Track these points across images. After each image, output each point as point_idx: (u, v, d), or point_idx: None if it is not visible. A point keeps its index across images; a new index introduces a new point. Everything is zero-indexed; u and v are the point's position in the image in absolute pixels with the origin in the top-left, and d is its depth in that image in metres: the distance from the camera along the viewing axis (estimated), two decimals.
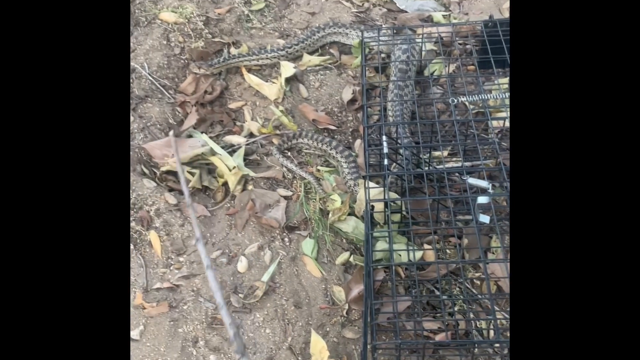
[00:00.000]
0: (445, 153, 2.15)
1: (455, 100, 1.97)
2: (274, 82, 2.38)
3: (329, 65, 2.55)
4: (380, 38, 2.38)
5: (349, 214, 1.94)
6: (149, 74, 2.37)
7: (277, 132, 2.24)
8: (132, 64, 2.38)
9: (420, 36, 2.37)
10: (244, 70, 2.43)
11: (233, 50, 2.52)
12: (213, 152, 2.08)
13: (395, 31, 2.51)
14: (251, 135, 2.26)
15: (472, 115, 2.27)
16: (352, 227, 1.91)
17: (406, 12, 2.84)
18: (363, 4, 2.91)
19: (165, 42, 2.51)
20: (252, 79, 2.39)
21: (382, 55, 2.58)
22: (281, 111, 2.26)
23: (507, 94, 2.06)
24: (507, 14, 2.87)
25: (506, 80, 2.31)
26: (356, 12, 2.85)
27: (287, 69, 2.37)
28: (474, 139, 2.11)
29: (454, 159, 2.15)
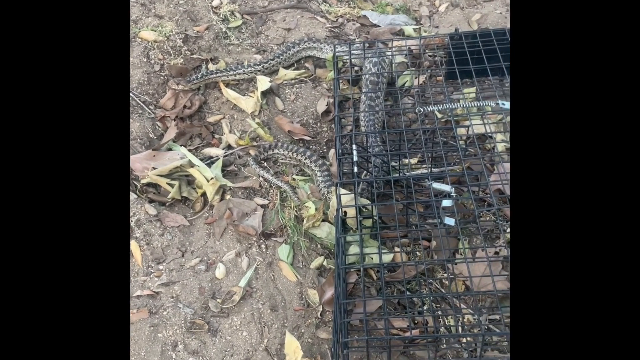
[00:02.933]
0: (415, 160, 2.24)
1: (422, 110, 2.07)
2: (250, 96, 2.47)
3: (304, 79, 2.64)
4: (352, 52, 2.49)
5: (323, 220, 2.03)
6: (130, 91, 2.45)
7: (254, 143, 2.32)
8: None
9: (391, 49, 2.49)
10: (222, 85, 2.52)
11: (211, 66, 2.61)
12: (191, 164, 2.16)
13: (367, 45, 2.61)
14: (229, 147, 2.35)
15: (440, 124, 2.37)
16: (326, 232, 1.99)
17: (379, 26, 2.95)
18: (337, 20, 3.02)
19: (145, 60, 2.59)
20: (229, 93, 2.48)
21: (355, 68, 2.68)
22: (257, 123, 2.34)
23: (474, 103, 2.16)
24: (475, 27, 2.99)
25: (472, 89, 2.42)
26: (330, 27, 2.96)
27: (263, 83, 2.46)
28: (442, 147, 2.22)
29: (424, 165, 2.25)
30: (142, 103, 2.44)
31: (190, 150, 2.29)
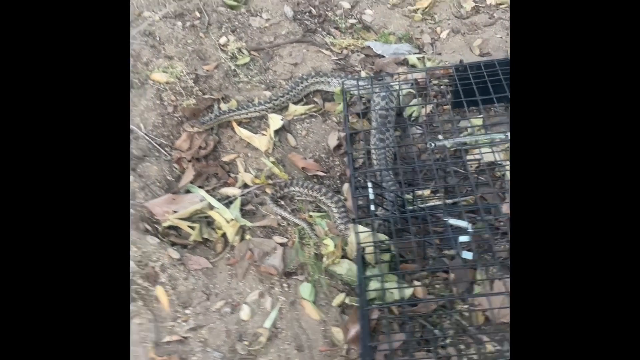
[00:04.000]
0: (428, 192, 2.29)
1: (434, 144, 2.12)
2: (263, 134, 2.53)
3: (314, 114, 2.71)
4: (360, 85, 2.55)
5: (342, 257, 2.07)
6: (146, 134, 2.51)
7: (270, 181, 2.38)
8: (130, 125, 2.52)
9: (397, 81, 2.55)
10: (234, 124, 2.58)
11: (223, 106, 2.68)
12: (211, 206, 2.21)
13: (374, 78, 2.68)
14: (245, 186, 2.40)
15: (450, 154, 2.43)
16: (346, 269, 2.04)
17: (383, 56, 3.02)
18: (342, 51, 3.09)
19: (158, 102, 2.66)
20: (242, 132, 2.54)
21: (363, 100, 2.74)
22: (272, 162, 2.40)
23: (483, 134, 2.22)
24: (477, 52, 3.06)
25: (480, 118, 2.48)
26: (336, 59, 3.03)
27: (275, 121, 2.52)
28: (453, 177, 2.27)
29: (437, 195, 2.30)
30: (158, 146, 2.50)
31: (207, 191, 2.35)
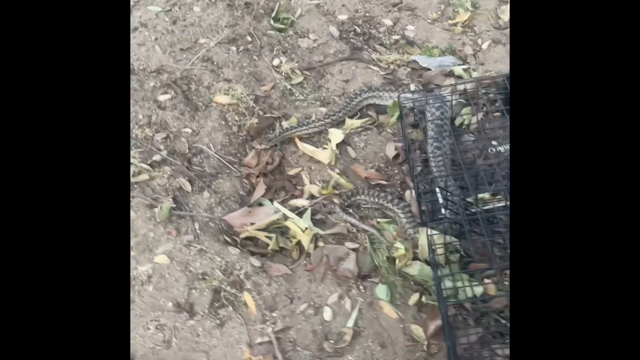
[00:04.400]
0: (488, 195, 2.42)
1: (494, 150, 2.26)
2: (325, 148, 2.69)
3: (369, 126, 2.86)
4: (414, 97, 2.70)
5: (414, 259, 2.21)
6: (215, 153, 2.69)
7: (336, 192, 2.53)
8: (199, 145, 2.71)
9: (448, 92, 2.69)
10: (297, 140, 2.75)
11: (284, 124, 2.84)
12: (285, 217, 2.37)
13: (426, 91, 2.83)
14: (312, 197, 2.56)
15: (504, 158, 2.55)
16: (418, 270, 2.17)
17: (429, 69, 3.17)
18: (389, 66, 3.25)
19: (223, 123, 2.84)
20: (305, 147, 2.70)
21: (415, 111, 2.89)
22: (338, 174, 2.56)
23: None
24: None
25: None
26: (384, 74, 3.19)
27: (336, 135, 2.68)
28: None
29: (497, 198, 2.42)
30: (228, 163, 2.68)
31: (278, 204, 2.51)
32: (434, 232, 2.13)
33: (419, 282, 2.18)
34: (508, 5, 3.53)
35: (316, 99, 3.06)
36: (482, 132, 2.73)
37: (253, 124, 2.83)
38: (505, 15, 3.50)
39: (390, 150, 2.69)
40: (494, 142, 2.61)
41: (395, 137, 2.82)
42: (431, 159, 2.57)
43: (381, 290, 2.14)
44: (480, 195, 2.39)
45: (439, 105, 2.66)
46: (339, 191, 2.54)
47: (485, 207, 2.35)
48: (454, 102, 2.82)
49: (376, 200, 2.43)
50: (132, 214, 2.35)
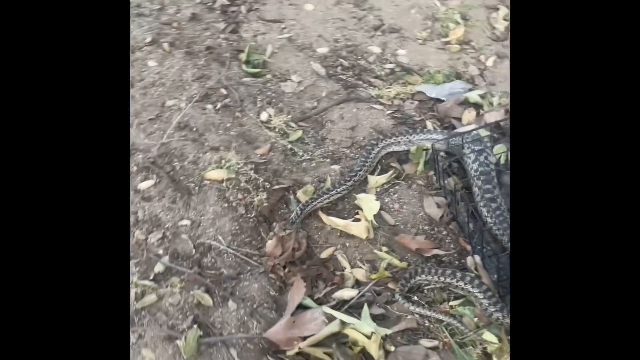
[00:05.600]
0: None
1: None
2: (357, 219, 2.26)
3: (396, 180, 2.47)
4: (443, 140, 2.33)
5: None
6: (228, 247, 2.21)
7: (388, 274, 2.11)
8: (206, 240, 2.22)
9: (486, 132, 2.34)
10: (321, 214, 2.30)
11: (299, 194, 2.39)
12: (343, 323, 1.93)
13: (450, 129, 2.46)
14: (358, 283, 2.13)
15: None
16: None
17: (440, 100, 2.81)
18: (392, 102, 2.87)
19: (226, 205, 2.35)
20: (334, 221, 2.26)
21: (444, 155, 2.52)
22: (386, 252, 2.14)
23: None
24: None
25: None
26: (390, 113, 2.80)
27: (370, 203, 2.26)
28: None
29: None
30: (245, 256, 2.20)
31: (319, 299, 2.07)
32: None
33: None
34: (500, 12, 3.24)
35: (324, 155, 2.62)
36: None
37: (262, 202, 2.36)
38: (500, 24, 3.20)
39: (433, 209, 2.30)
40: None
41: (428, 188, 2.43)
42: (484, 211, 2.20)
43: None
44: None
45: (480, 149, 2.30)
46: (392, 271, 2.13)
47: None
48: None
49: (443, 279, 2.03)
50: (150, 353, 1.84)
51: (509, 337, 1.85)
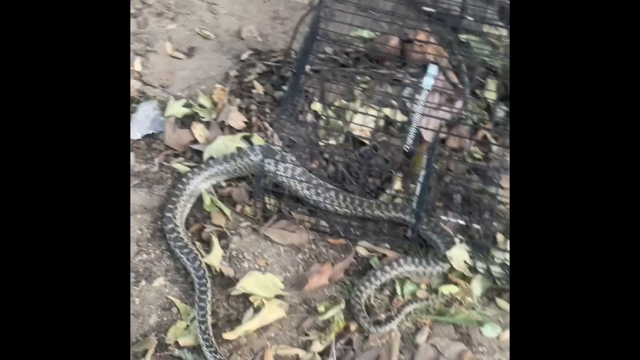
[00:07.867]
0: None
1: None
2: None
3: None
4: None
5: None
6: None
7: (342, 321, 1.89)
8: None
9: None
10: (225, 335, 1.76)
11: None
12: None
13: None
14: (321, 353, 1.84)
15: None
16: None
17: None
18: None
19: None
20: (248, 327, 1.78)
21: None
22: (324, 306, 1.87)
23: None
24: None
25: None
26: None
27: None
28: None
29: None
30: None
31: None
32: None
33: None
34: None
35: None
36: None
37: None
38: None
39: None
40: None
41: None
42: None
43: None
44: None
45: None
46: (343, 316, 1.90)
47: None
48: None
49: (383, 279, 1.98)
50: None
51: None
